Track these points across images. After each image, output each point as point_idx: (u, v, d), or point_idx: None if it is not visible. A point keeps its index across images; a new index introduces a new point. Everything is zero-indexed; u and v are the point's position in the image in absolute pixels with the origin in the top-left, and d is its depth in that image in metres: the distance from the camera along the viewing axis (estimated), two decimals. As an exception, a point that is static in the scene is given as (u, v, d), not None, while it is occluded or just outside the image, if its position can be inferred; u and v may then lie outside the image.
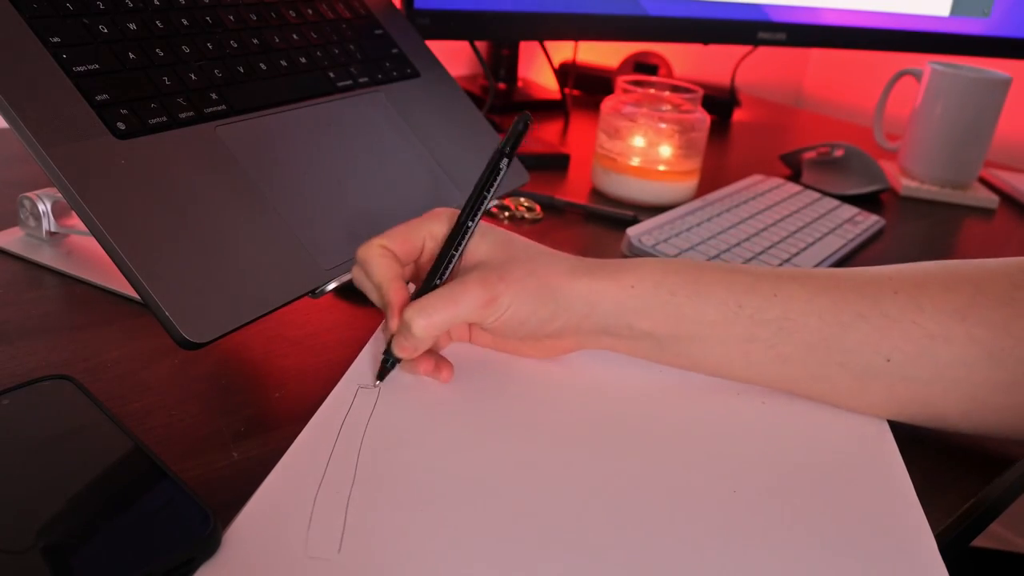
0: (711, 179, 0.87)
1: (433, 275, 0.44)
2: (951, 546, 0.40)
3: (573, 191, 0.84)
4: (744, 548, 0.36)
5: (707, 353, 0.44)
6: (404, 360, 0.44)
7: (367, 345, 0.48)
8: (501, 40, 1.16)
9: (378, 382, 0.44)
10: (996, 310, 0.41)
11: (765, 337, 0.43)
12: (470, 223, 0.44)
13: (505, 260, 0.44)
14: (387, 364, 0.44)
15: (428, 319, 0.41)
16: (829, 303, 0.43)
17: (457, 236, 0.44)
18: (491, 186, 0.44)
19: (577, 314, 0.44)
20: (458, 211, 0.45)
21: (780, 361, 0.44)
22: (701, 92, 0.81)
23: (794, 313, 0.43)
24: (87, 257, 0.56)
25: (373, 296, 0.45)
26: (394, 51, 0.64)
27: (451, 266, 0.44)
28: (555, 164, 0.90)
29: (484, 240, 0.45)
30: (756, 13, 0.99)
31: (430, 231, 0.45)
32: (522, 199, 0.75)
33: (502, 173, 0.44)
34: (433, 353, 0.45)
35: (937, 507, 0.41)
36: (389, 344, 0.44)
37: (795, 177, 0.95)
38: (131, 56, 0.46)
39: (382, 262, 0.44)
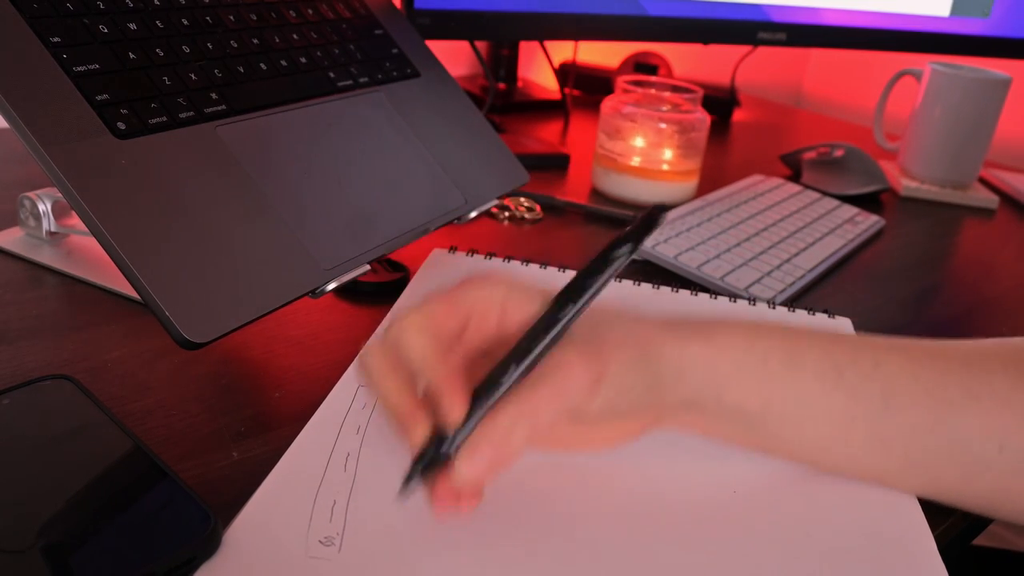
0: (711, 179, 0.87)
1: (507, 366, 0.33)
2: (951, 546, 0.40)
3: (573, 191, 0.84)
4: (743, 548, 0.36)
5: (799, 435, 0.38)
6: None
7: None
8: (501, 40, 1.16)
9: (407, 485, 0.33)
10: None
11: (866, 415, 0.37)
12: (562, 314, 0.34)
13: (591, 326, 0.35)
14: (418, 472, 0.33)
15: (534, 422, 0.31)
16: (936, 376, 0.37)
17: (544, 322, 0.34)
18: (598, 273, 0.35)
19: (666, 385, 0.36)
20: (507, 279, 0.36)
21: (880, 446, 0.37)
22: (701, 92, 0.81)
23: (900, 388, 0.37)
24: (87, 257, 0.56)
25: (392, 392, 0.34)
26: (394, 51, 0.64)
27: (534, 361, 0.33)
28: (555, 164, 0.90)
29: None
30: (756, 13, 0.99)
31: (475, 306, 0.35)
32: (522, 199, 0.75)
33: (617, 263, 0.35)
34: None
35: (937, 507, 0.41)
36: (430, 451, 0.32)
37: (795, 177, 0.95)
38: (131, 56, 0.46)
39: (422, 338, 0.34)
